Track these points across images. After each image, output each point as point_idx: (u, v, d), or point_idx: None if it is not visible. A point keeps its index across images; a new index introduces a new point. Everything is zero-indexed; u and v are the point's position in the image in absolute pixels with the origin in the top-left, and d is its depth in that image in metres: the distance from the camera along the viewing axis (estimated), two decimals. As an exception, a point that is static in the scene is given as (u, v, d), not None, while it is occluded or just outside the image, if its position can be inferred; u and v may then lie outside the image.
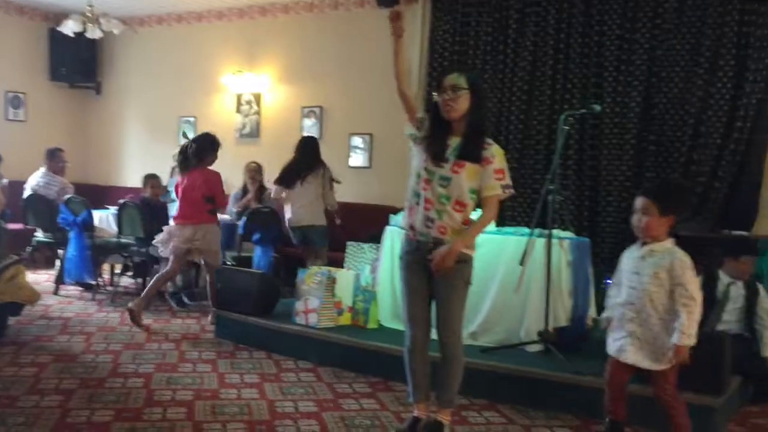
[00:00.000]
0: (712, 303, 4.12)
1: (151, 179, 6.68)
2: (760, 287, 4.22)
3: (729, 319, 4.18)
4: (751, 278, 4.29)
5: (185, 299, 6.43)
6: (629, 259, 3.24)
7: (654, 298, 3.10)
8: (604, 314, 3.38)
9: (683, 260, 3.09)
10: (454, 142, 3.16)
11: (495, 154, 3.16)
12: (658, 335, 3.11)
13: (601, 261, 6.08)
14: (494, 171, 3.14)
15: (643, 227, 3.15)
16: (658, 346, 3.11)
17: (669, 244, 3.16)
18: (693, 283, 3.06)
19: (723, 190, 5.72)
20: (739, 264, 4.17)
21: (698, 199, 5.80)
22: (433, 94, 3.26)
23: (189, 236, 5.45)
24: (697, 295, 3.05)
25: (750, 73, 5.59)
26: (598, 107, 4.45)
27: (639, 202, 3.20)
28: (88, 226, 6.62)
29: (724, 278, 4.22)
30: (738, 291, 4.18)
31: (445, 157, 3.15)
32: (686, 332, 2.99)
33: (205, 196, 5.51)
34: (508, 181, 3.18)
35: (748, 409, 4.02)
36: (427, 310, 3.28)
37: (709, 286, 4.14)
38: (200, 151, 5.61)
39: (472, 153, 3.13)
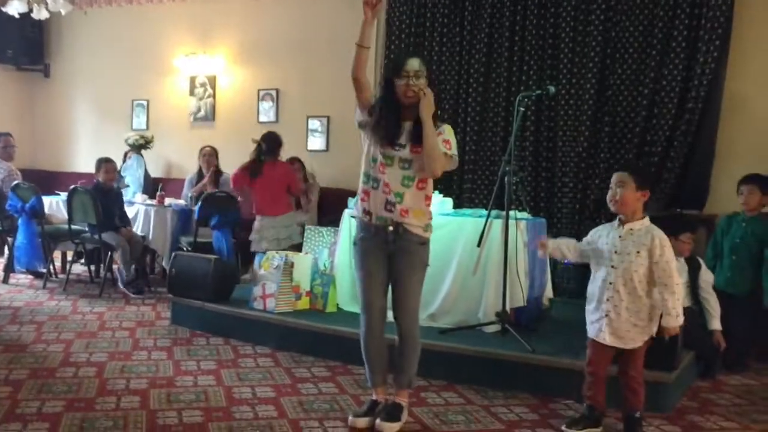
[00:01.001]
0: None
1: (105, 163, 6.49)
2: (700, 261, 4.36)
3: None
4: (692, 254, 4.37)
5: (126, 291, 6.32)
6: (608, 238, 3.23)
7: (635, 277, 3.12)
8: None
9: (664, 238, 3.13)
10: (408, 125, 3.16)
11: (446, 131, 3.19)
12: (634, 314, 3.14)
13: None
14: (443, 141, 3.14)
15: (619, 200, 3.18)
16: (633, 324, 3.15)
17: (647, 221, 3.19)
18: (673, 261, 3.13)
19: (675, 170, 5.81)
20: (678, 242, 4.24)
21: (652, 178, 5.89)
22: (391, 77, 3.19)
23: (281, 224, 5.94)
24: (676, 273, 3.12)
25: (701, 55, 5.67)
26: (552, 88, 4.47)
27: (616, 176, 3.23)
28: (37, 212, 6.46)
29: None
30: (681, 267, 4.25)
31: (402, 140, 3.14)
32: (673, 313, 3.06)
33: (287, 186, 6.09)
34: (454, 151, 3.18)
35: (700, 384, 4.12)
36: (384, 296, 3.27)
37: None
38: (272, 148, 6.07)
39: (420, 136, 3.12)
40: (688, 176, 5.85)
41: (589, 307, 3.30)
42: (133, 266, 6.34)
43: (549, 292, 5.12)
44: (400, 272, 3.20)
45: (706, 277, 4.32)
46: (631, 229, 3.16)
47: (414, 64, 3.12)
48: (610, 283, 3.17)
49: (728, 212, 4.90)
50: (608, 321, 3.17)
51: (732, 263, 4.61)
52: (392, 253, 3.20)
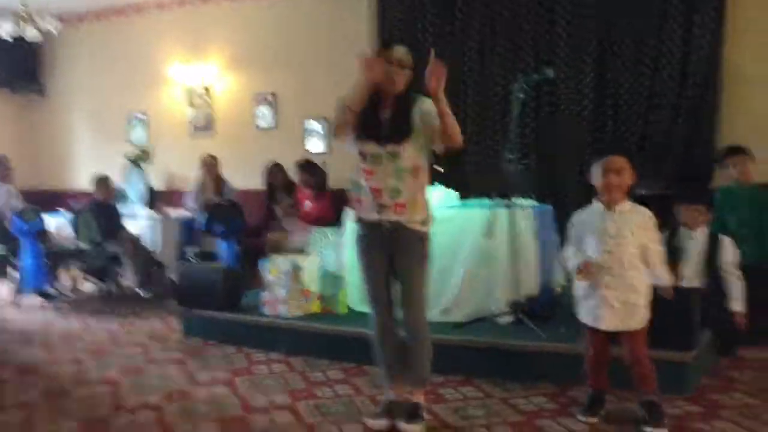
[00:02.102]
0: (677, 256, 4.16)
1: (103, 181, 6.49)
2: (723, 238, 4.23)
3: (687, 274, 4.18)
4: (713, 230, 4.31)
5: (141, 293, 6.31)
6: (599, 223, 3.18)
7: (631, 258, 3.10)
8: (572, 263, 3.26)
9: (652, 216, 3.13)
10: (387, 113, 3.10)
11: (427, 104, 3.04)
12: (631, 295, 3.11)
13: (565, 227, 6.10)
14: (435, 114, 3.01)
15: (620, 186, 3.14)
16: (631, 305, 3.11)
17: (630, 202, 3.16)
18: (659, 235, 3.17)
19: (680, 148, 5.75)
20: (690, 212, 4.18)
21: (657, 158, 5.83)
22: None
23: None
24: (658, 241, 3.18)
25: (697, 29, 5.60)
26: (550, 72, 4.42)
27: (618, 162, 3.18)
28: (41, 233, 6.44)
29: (684, 232, 4.22)
30: (696, 245, 4.19)
31: (383, 134, 3.07)
32: (666, 276, 3.15)
33: None
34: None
35: (721, 362, 4.06)
36: (389, 291, 3.23)
37: (673, 239, 4.17)
38: None
39: (404, 129, 3.06)
40: (691, 154, 5.79)
41: (580, 294, 3.25)
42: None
43: (561, 278, 5.07)
44: (402, 269, 3.16)
45: (727, 257, 4.14)
46: (621, 211, 3.15)
47: (399, 52, 3.05)
48: (608, 268, 3.12)
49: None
50: (609, 306, 3.12)
51: (745, 235, 4.53)
52: (392, 250, 3.15)
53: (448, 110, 2.98)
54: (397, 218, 3.10)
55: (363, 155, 3.11)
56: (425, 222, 3.17)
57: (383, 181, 3.09)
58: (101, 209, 6.27)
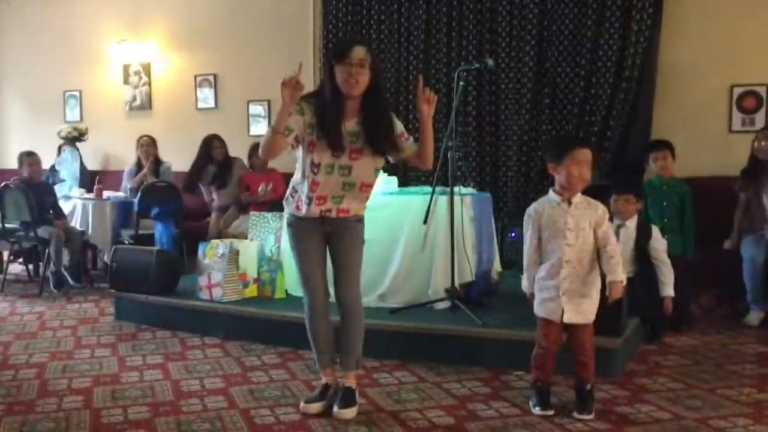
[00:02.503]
0: None
1: (27, 157, 6.24)
2: (653, 227, 4.36)
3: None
4: (643, 219, 4.44)
5: (69, 279, 6.12)
6: (558, 217, 3.11)
7: (590, 249, 3.10)
8: (526, 286, 3.23)
9: (605, 210, 3.15)
10: (349, 125, 3.03)
11: (399, 123, 3.15)
12: (589, 286, 3.11)
13: (504, 215, 6.20)
14: (398, 137, 3.08)
15: (584, 180, 3.08)
16: (587, 298, 3.11)
17: (583, 196, 3.15)
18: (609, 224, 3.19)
19: (615, 138, 5.90)
20: (619, 202, 4.29)
21: (593, 149, 5.95)
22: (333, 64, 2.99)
23: None
24: (613, 235, 3.19)
25: (635, 23, 5.74)
26: (491, 61, 4.43)
27: (586, 153, 3.08)
28: (-33, 212, 6.18)
29: (616, 222, 4.32)
30: (627, 234, 4.30)
31: (342, 145, 3.01)
32: (618, 270, 3.10)
33: None
34: (407, 134, 3.15)
35: (646, 348, 4.19)
36: (323, 274, 3.21)
37: None
38: None
39: (379, 142, 3.04)
40: (627, 144, 5.94)
41: (536, 287, 3.18)
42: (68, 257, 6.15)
43: (498, 266, 5.14)
44: (340, 251, 3.15)
45: (658, 244, 4.26)
46: (578, 204, 3.11)
47: (360, 52, 2.94)
48: (566, 261, 3.08)
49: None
50: (567, 299, 3.08)
51: (665, 226, 4.69)
52: (328, 233, 3.14)
53: (431, 136, 3.06)
54: (344, 217, 3.11)
55: (315, 166, 3.02)
56: (360, 206, 3.19)
57: (330, 191, 3.06)
58: (31, 188, 6.02)
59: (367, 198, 3.19)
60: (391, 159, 3.17)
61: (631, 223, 4.33)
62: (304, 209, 3.09)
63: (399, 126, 3.13)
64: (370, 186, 3.15)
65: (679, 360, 3.99)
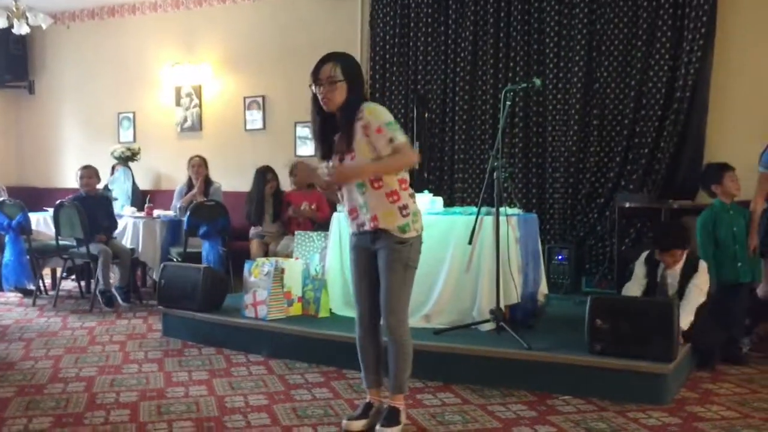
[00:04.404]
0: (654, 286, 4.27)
1: (82, 170, 6.42)
2: (700, 262, 4.22)
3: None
4: (690, 257, 4.27)
5: (119, 299, 6.25)
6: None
7: None
8: None
9: None
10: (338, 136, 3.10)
11: (366, 115, 2.98)
12: None
13: (550, 237, 6.13)
14: (375, 131, 2.97)
15: None
16: None
17: None
18: None
19: (665, 161, 5.78)
20: (668, 257, 4.22)
21: (642, 171, 5.86)
22: (310, 86, 3.09)
23: None
24: None
25: (687, 43, 5.65)
26: (538, 81, 4.39)
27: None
28: (24, 229, 6.38)
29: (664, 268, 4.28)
30: (674, 276, 4.23)
31: (330, 153, 3.10)
32: None
33: None
34: (390, 134, 2.97)
35: (699, 375, 4.06)
36: (372, 293, 3.20)
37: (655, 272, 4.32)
38: None
39: (346, 143, 3.02)
40: (679, 167, 5.82)
41: None
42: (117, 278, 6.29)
43: (544, 288, 5.05)
44: (381, 272, 3.13)
45: (699, 281, 4.15)
46: None
47: (325, 70, 3.00)
48: None
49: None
50: None
51: (738, 252, 4.54)
52: (376, 252, 3.14)
53: (372, 168, 3.00)
54: (377, 228, 3.09)
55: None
56: (405, 229, 3.08)
57: (353, 200, 3.10)
58: (86, 201, 6.17)
59: (394, 203, 3.05)
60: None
61: (678, 268, 4.24)
62: (351, 226, 3.19)
63: (375, 119, 2.98)
64: (380, 180, 3.03)
65: (734, 388, 3.85)
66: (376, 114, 3.01)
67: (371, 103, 3.08)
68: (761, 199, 4.58)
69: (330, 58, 3.10)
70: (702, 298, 4.12)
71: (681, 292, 4.17)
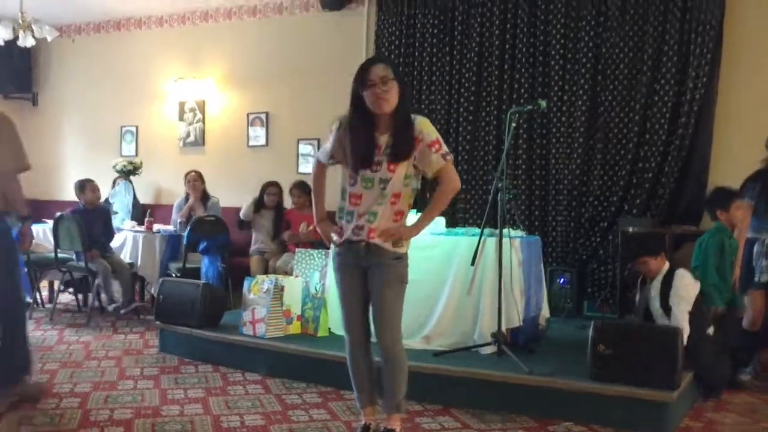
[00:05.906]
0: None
1: (88, 183, 6.41)
2: (676, 272, 4.09)
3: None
4: (667, 276, 4.15)
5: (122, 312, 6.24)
6: None
7: None
8: None
9: None
10: (384, 140, 2.98)
11: (422, 128, 2.99)
12: None
13: (552, 260, 6.08)
14: (428, 146, 2.96)
15: None
16: None
17: None
18: None
19: (670, 185, 5.76)
20: (640, 265, 4.20)
21: (646, 195, 5.83)
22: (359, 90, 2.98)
23: None
24: None
25: (692, 69, 5.64)
26: (543, 103, 4.36)
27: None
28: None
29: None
30: (655, 289, 4.15)
31: (378, 159, 2.97)
32: None
33: None
34: (445, 149, 3.00)
35: (702, 405, 4.00)
36: (363, 312, 3.14)
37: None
38: None
39: (404, 150, 2.96)
40: (683, 192, 5.79)
41: None
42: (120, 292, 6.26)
43: (546, 312, 5.01)
44: (375, 288, 3.06)
45: (679, 291, 4.02)
46: None
47: (378, 70, 2.92)
48: None
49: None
50: None
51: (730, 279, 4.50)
52: (367, 269, 3.08)
53: (429, 218, 3.11)
54: (369, 240, 3.02)
55: (354, 180, 3.02)
56: (398, 243, 3.04)
57: (368, 206, 3.01)
58: (85, 216, 6.14)
59: (396, 221, 3.04)
60: (427, 174, 3.06)
61: (658, 281, 4.15)
62: (343, 228, 3.08)
63: (429, 135, 2.99)
64: (398, 197, 3.01)
65: (738, 418, 3.79)
66: (429, 127, 3.02)
67: (418, 114, 3.06)
68: (745, 230, 4.54)
69: (378, 59, 3.11)
70: (685, 306, 3.97)
71: (665, 305, 4.07)
